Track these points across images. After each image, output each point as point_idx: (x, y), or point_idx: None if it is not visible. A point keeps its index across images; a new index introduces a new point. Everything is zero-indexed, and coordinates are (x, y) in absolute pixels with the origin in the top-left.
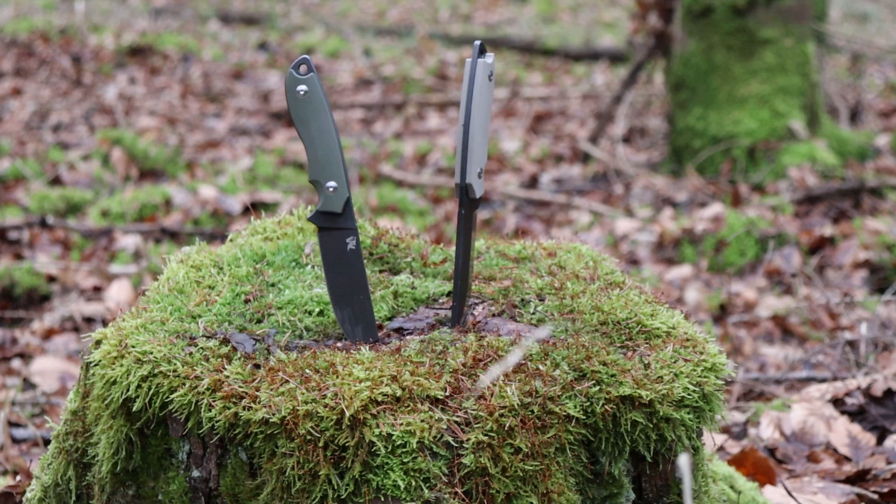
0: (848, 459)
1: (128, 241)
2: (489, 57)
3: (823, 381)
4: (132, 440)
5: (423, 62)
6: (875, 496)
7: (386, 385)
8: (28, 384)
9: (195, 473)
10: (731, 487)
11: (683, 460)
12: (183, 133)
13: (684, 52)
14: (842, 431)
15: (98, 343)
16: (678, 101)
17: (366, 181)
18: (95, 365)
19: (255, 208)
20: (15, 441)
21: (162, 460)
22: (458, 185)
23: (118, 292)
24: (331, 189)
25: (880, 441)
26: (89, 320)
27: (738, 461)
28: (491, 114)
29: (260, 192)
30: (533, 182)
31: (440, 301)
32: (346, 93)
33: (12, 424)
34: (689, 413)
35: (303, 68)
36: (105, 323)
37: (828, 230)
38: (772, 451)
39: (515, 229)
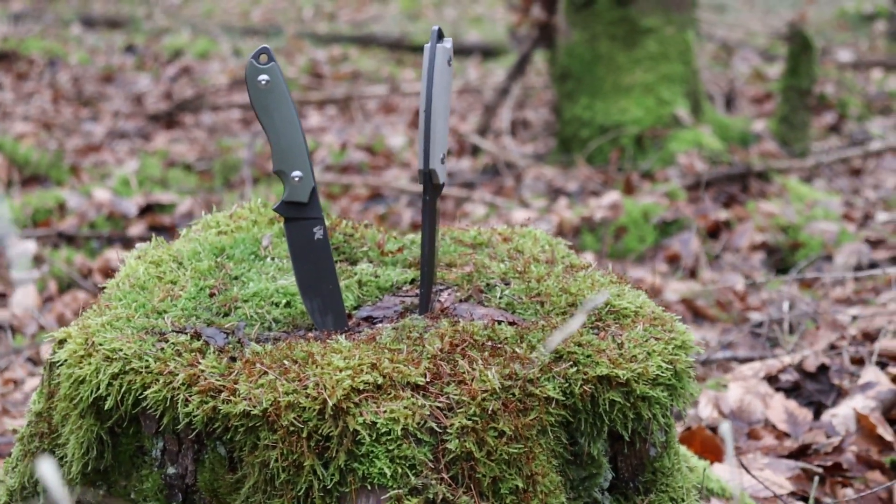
0: (787, 435)
1: (25, 246)
2: (447, 42)
3: (747, 360)
4: (103, 439)
5: (295, 61)
6: (820, 470)
7: (366, 373)
8: None
9: (171, 470)
10: (686, 466)
11: (725, 428)
12: (61, 138)
13: (569, 42)
14: (779, 408)
15: (62, 342)
16: (564, 92)
17: (260, 181)
18: (61, 364)
19: (151, 210)
20: None
21: (134, 458)
22: (422, 171)
23: (24, 298)
24: (296, 179)
25: (817, 416)
26: None
27: (686, 440)
28: (451, 99)
29: (154, 194)
30: None
31: (404, 289)
32: (221, 93)
33: None
34: (663, 391)
35: (263, 58)
36: (14, 329)
37: (723, 214)
38: (713, 429)
39: (412, 223)
